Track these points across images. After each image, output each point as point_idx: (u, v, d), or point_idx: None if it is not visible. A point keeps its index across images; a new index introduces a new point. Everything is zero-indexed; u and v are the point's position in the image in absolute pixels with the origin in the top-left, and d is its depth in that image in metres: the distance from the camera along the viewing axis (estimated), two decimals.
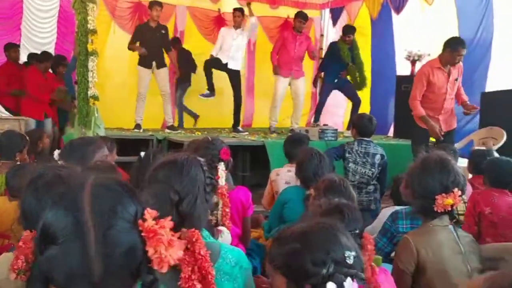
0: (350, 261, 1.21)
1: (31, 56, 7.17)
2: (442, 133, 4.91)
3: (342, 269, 1.20)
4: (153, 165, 1.59)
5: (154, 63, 6.59)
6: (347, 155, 4.46)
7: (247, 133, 6.84)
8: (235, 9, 6.97)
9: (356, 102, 7.52)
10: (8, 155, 3.46)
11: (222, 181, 2.27)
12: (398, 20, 7.99)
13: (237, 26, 6.79)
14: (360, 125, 4.52)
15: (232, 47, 6.70)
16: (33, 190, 1.43)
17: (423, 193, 2.05)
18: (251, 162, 5.93)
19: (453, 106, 5.06)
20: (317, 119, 7.64)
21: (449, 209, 2.03)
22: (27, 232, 1.38)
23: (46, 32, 8.28)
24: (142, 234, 0.90)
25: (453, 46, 4.81)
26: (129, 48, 6.67)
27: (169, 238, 0.91)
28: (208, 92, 6.85)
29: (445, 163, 2.08)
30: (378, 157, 4.40)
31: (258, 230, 3.76)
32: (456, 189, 2.01)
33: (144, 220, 0.91)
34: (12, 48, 7.06)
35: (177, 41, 8.01)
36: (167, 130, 6.82)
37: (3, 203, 2.77)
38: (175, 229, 1.43)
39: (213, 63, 6.75)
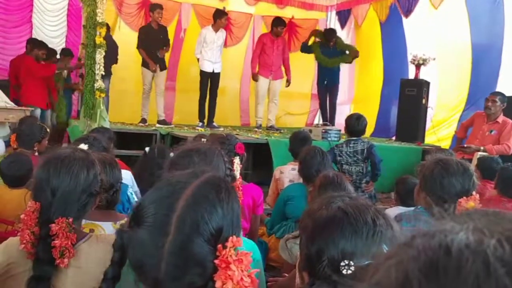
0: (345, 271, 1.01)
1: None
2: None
3: (331, 275, 1.01)
4: (176, 151, 1.59)
5: (158, 66, 6.76)
6: (338, 158, 4.56)
7: (222, 129, 7.01)
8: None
9: (333, 105, 7.73)
10: (27, 144, 3.47)
11: (237, 174, 2.29)
12: (408, 23, 8.00)
13: (218, 29, 7.04)
14: (348, 125, 4.65)
15: (214, 51, 6.98)
16: (45, 165, 1.47)
17: (443, 194, 1.98)
18: (254, 160, 5.94)
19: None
20: (324, 119, 7.75)
21: None
22: (31, 203, 1.41)
23: (56, 25, 8.30)
24: (216, 260, 0.85)
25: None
26: (139, 50, 6.77)
27: (241, 276, 0.85)
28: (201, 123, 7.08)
29: (466, 166, 2.03)
30: (365, 150, 4.56)
31: (261, 228, 3.78)
32: (474, 193, 1.97)
33: (225, 247, 0.86)
34: (37, 46, 6.91)
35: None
36: (157, 125, 6.80)
37: (5, 192, 2.77)
38: None
39: (206, 84, 7.01)
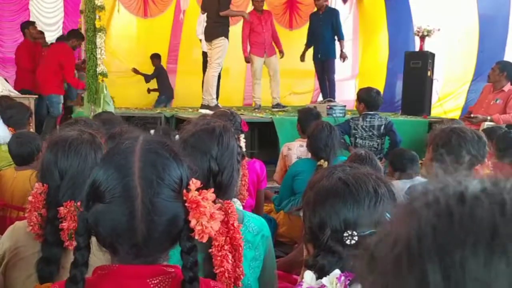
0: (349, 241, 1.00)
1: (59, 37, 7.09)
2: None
3: (335, 246, 1.01)
4: (186, 130, 1.56)
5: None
6: (353, 131, 4.55)
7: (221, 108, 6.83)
8: None
9: (330, 81, 7.39)
10: (22, 124, 3.50)
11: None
12: None
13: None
14: (368, 99, 4.58)
15: None
16: (53, 147, 1.46)
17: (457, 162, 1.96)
18: (259, 139, 5.94)
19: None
20: (324, 96, 7.55)
21: None
22: (38, 185, 1.40)
23: (53, 12, 8.25)
24: (186, 204, 0.92)
25: None
26: (230, 14, 6.19)
27: (211, 210, 0.92)
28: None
29: (480, 134, 2.02)
30: (382, 127, 4.52)
31: (269, 205, 3.81)
32: (486, 160, 1.96)
33: (188, 190, 0.93)
34: (31, 25, 6.91)
35: None
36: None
37: (11, 175, 2.76)
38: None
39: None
